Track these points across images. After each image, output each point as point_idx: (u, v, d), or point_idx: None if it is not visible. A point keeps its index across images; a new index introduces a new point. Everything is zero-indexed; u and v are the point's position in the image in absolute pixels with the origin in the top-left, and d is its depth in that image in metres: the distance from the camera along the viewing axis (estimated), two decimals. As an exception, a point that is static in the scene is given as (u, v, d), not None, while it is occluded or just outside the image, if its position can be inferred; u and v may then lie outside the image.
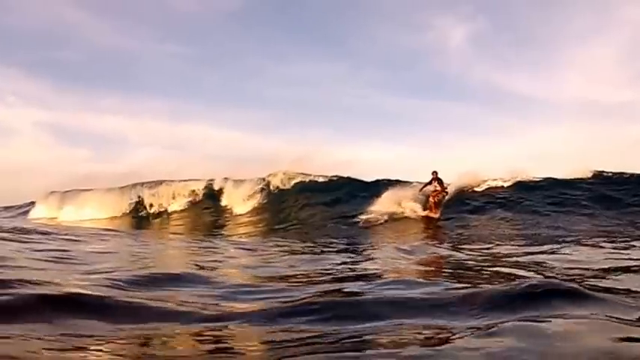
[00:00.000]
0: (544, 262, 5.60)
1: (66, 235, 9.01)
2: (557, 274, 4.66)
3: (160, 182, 22.26)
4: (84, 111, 44.08)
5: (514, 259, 6.25)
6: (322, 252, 7.74)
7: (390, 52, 44.49)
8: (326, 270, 5.23)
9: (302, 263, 5.96)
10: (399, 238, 10.33)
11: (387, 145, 40.85)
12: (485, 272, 5.00)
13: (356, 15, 44.27)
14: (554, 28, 40.35)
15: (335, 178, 18.69)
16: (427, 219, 13.64)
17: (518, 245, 8.27)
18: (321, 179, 18.81)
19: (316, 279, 4.57)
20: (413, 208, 14.15)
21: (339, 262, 6.03)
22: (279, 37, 46.19)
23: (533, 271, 4.96)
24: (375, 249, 8.22)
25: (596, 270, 4.80)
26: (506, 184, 16.13)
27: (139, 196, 21.21)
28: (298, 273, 4.98)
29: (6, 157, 37.82)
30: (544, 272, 4.81)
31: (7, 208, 27.81)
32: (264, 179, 19.28)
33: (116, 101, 44.65)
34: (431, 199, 14.12)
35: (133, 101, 45.45)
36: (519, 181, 16.20)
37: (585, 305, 2.74)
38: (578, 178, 15.97)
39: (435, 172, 14.18)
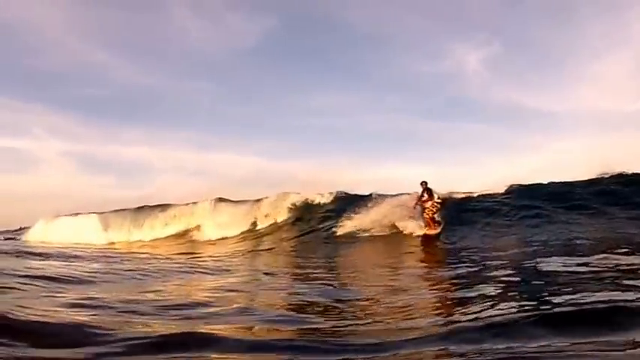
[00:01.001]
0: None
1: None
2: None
3: (163, 205, 22.41)
4: (109, 142, 46.15)
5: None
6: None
7: (410, 80, 45.91)
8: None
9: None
10: (404, 261, 9.53)
11: (409, 165, 40.89)
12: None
13: (374, 46, 46.26)
14: (567, 46, 41.66)
15: (331, 195, 18.22)
16: (426, 237, 12.20)
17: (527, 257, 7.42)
18: (317, 197, 18.37)
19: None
20: (408, 229, 12.89)
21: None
22: (299, 72, 48.16)
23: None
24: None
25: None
26: (501, 190, 15.22)
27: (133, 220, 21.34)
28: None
29: (31, 183, 39.79)
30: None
31: (22, 229, 29.39)
32: (258, 200, 19.08)
33: (141, 133, 46.85)
34: (425, 215, 12.71)
35: (158, 133, 47.44)
36: (515, 186, 15.33)
37: None
38: (579, 181, 14.96)
39: (424, 182, 12.86)
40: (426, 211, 12.72)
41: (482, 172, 33.11)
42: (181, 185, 35.41)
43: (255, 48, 45.70)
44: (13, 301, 4.30)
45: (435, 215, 12.65)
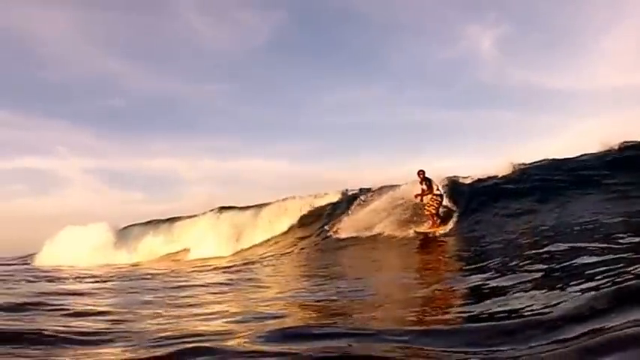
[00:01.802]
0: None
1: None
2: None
3: (171, 219, 22.44)
4: (134, 155, 46.29)
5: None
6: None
7: (427, 67, 46.25)
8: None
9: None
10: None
11: (431, 158, 40.84)
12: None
13: (389, 35, 45.91)
14: (576, 20, 41.09)
15: (337, 193, 17.91)
16: (427, 236, 10.86)
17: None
18: (321, 199, 18.15)
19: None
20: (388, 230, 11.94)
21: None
22: (315, 67, 48.46)
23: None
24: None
25: None
26: (501, 174, 14.35)
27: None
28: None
29: (59, 205, 39.85)
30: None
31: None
32: (261, 206, 19.17)
33: (165, 143, 47.26)
34: (426, 210, 11.35)
35: (182, 142, 48.07)
36: (521, 165, 14.64)
37: None
38: (586, 154, 14.38)
39: (421, 172, 11.25)
40: (425, 206, 11.39)
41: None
42: (209, 196, 35.15)
43: (268, 45, 45.63)
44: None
45: (438, 210, 11.33)
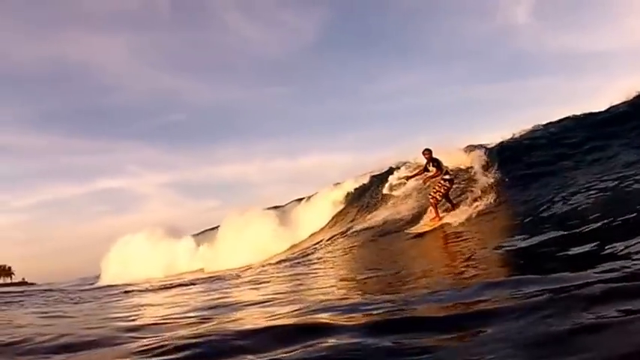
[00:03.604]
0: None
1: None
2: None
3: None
4: (204, 164, 48.09)
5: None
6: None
7: (469, 44, 45.16)
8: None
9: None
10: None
11: (488, 132, 39.48)
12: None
13: (426, 18, 44.40)
14: None
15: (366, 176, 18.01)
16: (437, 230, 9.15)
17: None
18: (352, 183, 18.33)
19: None
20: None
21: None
22: (365, 58, 48.23)
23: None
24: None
25: None
26: (523, 134, 13.70)
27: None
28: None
29: (140, 220, 42.29)
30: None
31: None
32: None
33: (231, 150, 48.71)
34: (431, 198, 9.67)
35: (247, 146, 49.28)
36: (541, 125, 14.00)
37: None
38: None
39: (427, 151, 9.53)
40: (431, 192, 9.83)
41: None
42: (280, 196, 36.09)
43: (315, 43, 46.30)
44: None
45: (448, 197, 9.78)
